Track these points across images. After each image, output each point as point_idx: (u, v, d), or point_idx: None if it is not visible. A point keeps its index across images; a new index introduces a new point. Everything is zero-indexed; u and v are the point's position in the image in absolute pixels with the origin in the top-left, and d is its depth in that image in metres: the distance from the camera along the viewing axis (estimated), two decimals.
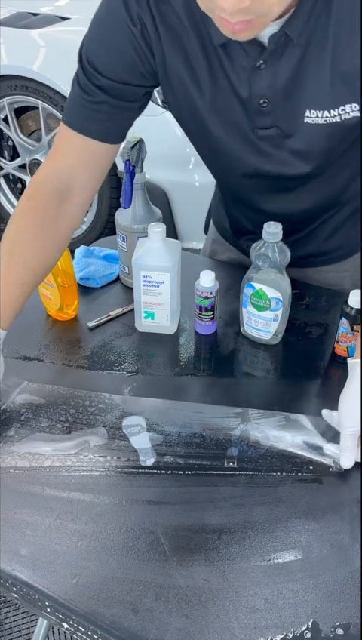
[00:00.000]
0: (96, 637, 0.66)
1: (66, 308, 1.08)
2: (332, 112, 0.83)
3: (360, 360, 0.81)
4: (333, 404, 0.84)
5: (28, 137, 2.65)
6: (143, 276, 1.00)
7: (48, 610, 0.68)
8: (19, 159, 2.67)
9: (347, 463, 0.80)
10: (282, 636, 0.65)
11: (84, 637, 0.66)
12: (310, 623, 0.66)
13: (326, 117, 0.83)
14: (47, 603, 0.68)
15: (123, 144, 1.03)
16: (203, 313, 1.03)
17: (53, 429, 0.88)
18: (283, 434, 0.87)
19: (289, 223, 0.98)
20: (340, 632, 0.65)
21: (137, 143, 1.03)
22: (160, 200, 2.21)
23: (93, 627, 0.65)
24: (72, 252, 1.23)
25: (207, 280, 0.99)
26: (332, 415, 0.85)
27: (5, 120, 2.63)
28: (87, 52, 0.86)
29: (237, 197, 1.09)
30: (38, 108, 2.46)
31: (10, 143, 2.71)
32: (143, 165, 1.06)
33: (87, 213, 2.65)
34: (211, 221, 1.30)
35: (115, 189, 2.46)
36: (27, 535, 0.74)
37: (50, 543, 0.73)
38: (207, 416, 0.90)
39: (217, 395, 0.94)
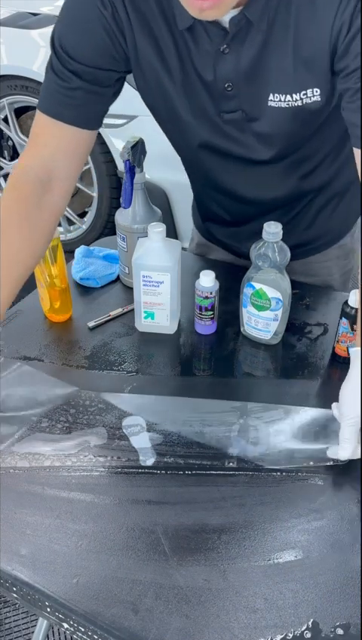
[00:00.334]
0: (96, 637, 0.66)
1: (58, 310, 1.08)
2: (294, 95, 0.84)
3: (361, 348, 0.80)
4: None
5: (28, 137, 2.66)
6: (143, 276, 1.00)
7: (48, 610, 0.68)
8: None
9: (344, 453, 0.79)
10: (282, 636, 0.65)
11: (84, 637, 0.66)
12: (310, 623, 0.66)
13: (289, 101, 0.85)
14: (47, 603, 0.68)
15: (123, 144, 1.04)
16: (203, 313, 1.03)
17: (53, 429, 0.88)
18: (283, 428, 0.86)
19: (262, 210, 1.00)
20: (340, 632, 0.65)
21: (137, 143, 1.03)
22: (160, 200, 2.22)
23: (93, 627, 0.65)
24: (72, 252, 1.24)
25: (207, 280, 0.99)
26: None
27: (5, 120, 2.63)
28: (59, 37, 0.86)
29: (207, 180, 1.08)
30: None
31: (10, 143, 2.71)
32: (143, 165, 1.06)
33: (86, 213, 2.66)
34: (193, 225, 1.31)
35: (115, 189, 2.47)
36: (27, 535, 0.74)
37: (50, 543, 0.73)
38: (207, 412, 0.89)
39: (217, 395, 0.94)
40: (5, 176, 2.82)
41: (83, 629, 0.66)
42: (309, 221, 1.12)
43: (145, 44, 0.86)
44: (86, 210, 2.70)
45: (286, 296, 0.98)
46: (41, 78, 2.33)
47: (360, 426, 0.79)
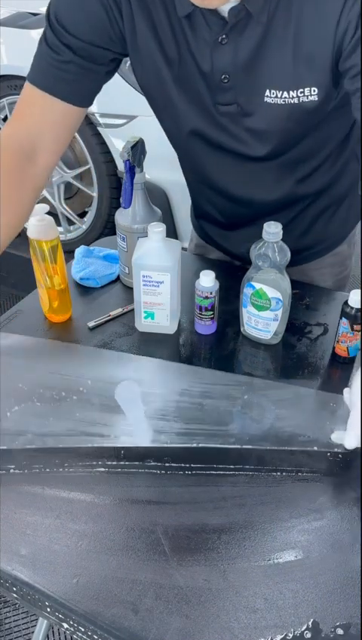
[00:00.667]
0: (96, 637, 0.66)
1: (57, 310, 1.08)
2: (291, 92, 0.83)
3: None
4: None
5: None
6: (143, 276, 1.00)
7: (48, 610, 0.68)
8: None
9: (352, 442, 0.76)
10: (282, 636, 0.65)
11: (84, 637, 0.66)
12: (310, 623, 0.66)
13: (286, 97, 0.84)
14: (47, 603, 0.68)
15: (123, 144, 1.03)
16: (203, 313, 1.03)
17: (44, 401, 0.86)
18: (288, 408, 0.82)
19: (256, 213, 0.98)
20: (340, 632, 0.65)
21: (137, 143, 1.03)
22: (160, 200, 2.22)
23: (93, 627, 0.65)
24: (72, 252, 1.24)
25: (207, 280, 0.99)
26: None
27: (5, 120, 2.63)
28: (55, 10, 0.85)
29: (198, 174, 1.08)
30: None
31: None
32: (143, 165, 1.06)
33: (86, 213, 2.66)
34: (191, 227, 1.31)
35: (115, 189, 2.47)
36: (27, 535, 0.74)
37: (50, 543, 0.73)
38: (209, 384, 0.85)
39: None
40: None
41: (83, 629, 0.66)
42: (304, 228, 1.11)
43: (144, 27, 0.85)
44: (86, 210, 2.70)
45: (286, 296, 0.98)
46: None
47: None
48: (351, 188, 1.10)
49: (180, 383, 0.87)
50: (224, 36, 0.81)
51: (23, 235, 0.99)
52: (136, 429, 0.83)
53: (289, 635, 0.65)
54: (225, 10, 0.78)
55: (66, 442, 0.83)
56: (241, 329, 1.06)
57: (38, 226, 0.99)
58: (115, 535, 0.74)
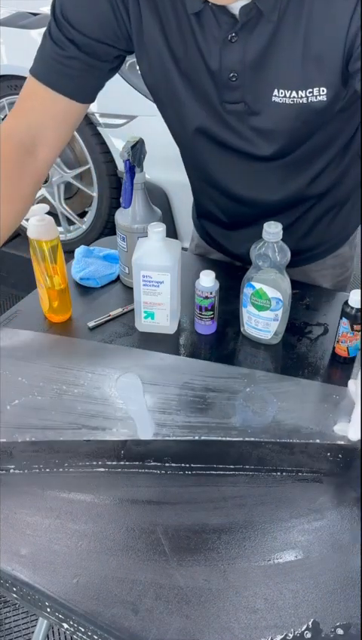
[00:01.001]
0: (96, 637, 0.65)
1: (57, 310, 1.08)
2: (300, 92, 0.83)
3: None
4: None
5: None
6: (143, 276, 1.00)
7: (48, 610, 0.68)
8: None
9: (355, 435, 0.77)
10: (282, 636, 0.65)
11: (84, 637, 0.66)
12: (310, 623, 0.66)
13: (294, 97, 0.83)
14: (47, 603, 0.68)
15: (123, 144, 1.03)
16: (203, 313, 1.03)
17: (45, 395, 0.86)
18: (291, 400, 0.83)
19: (258, 213, 0.97)
20: (340, 632, 0.65)
21: (137, 143, 1.03)
22: (160, 200, 2.22)
23: (93, 627, 0.65)
24: (72, 252, 1.24)
25: (207, 280, 0.99)
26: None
27: None
28: (61, 5, 0.85)
29: (202, 172, 1.08)
30: None
31: None
32: (143, 165, 1.05)
33: (86, 213, 2.66)
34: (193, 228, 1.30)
35: (115, 189, 2.47)
36: (27, 535, 0.74)
37: (50, 543, 0.73)
38: (211, 377, 0.85)
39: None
40: None
41: (83, 629, 0.66)
42: (307, 229, 1.10)
43: (151, 24, 0.84)
44: (86, 210, 2.70)
45: (286, 296, 0.98)
46: None
47: None
48: (354, 190, 1.10)
49: (182, 376, 0.87)
50: (234, 34, 0.81)
51: (22, 235, 0.99)
52: (137, 423, 0.83)
53: (289, 635, 0.65)
54: (235, 8, 0.78)
55: (67, 435, 0.83)
56: (241, 329, 1.06)
57: (38, 226, 0.99)
58: (115, 535, 0.74)
